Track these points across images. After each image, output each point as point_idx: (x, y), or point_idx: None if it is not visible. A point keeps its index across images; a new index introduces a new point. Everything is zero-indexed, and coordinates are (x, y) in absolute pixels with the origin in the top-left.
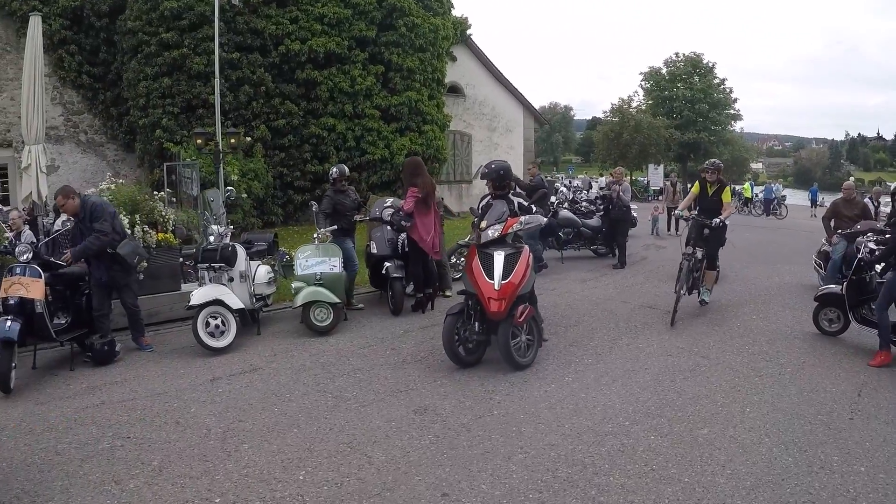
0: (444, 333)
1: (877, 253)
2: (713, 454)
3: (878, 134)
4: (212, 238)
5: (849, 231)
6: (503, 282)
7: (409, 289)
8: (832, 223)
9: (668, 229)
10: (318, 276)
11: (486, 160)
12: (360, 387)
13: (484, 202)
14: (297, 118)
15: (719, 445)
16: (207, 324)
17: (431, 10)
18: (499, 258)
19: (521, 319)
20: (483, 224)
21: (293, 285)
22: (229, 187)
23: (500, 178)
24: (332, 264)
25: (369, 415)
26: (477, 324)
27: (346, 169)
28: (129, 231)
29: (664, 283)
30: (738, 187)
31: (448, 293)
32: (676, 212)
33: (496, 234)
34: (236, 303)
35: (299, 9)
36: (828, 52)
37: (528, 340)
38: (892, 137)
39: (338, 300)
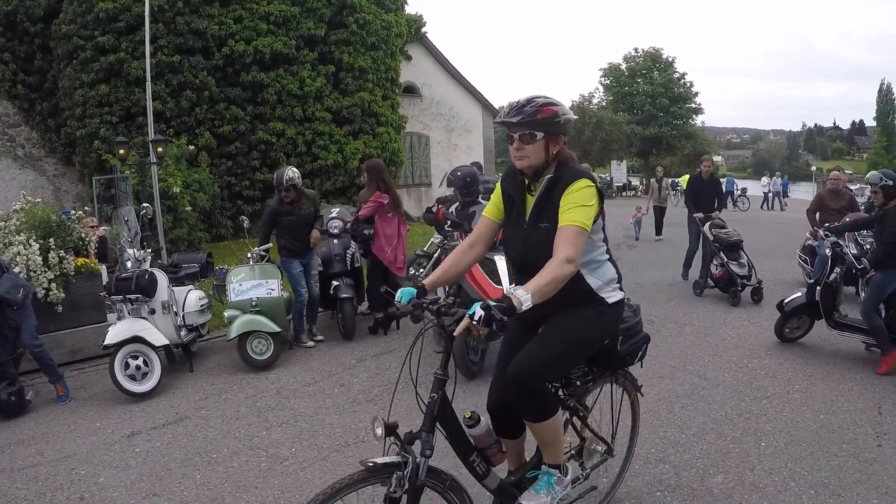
0: (457, 346)
1: (868, 255)
2: None
3: (835, 124)
4: (129, 264)
5: (836, 225)
6: (512, 286)
7: (363, 307)
8: (817, 216)
9: (658, 233)
10: (253, 302)
11: (445, 162)
12: (301, 440)
13: (454, 207)
14: (243, 124)
15: (739, 498)
16: (127, 365)
17: (384, 6)
18: (501, 262)
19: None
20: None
21: (226, 314)
22: (145, 203)
23: (466, 186)
24: (270, 288)
25: (309, 479)
26: None
27: (290, 173)
28: (38, 259)
29: (642, 288)
30: (676, 180)
31: None
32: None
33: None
34: (159, 339)
35: (243, 7)
36: (784, 47)
37: None
38: (849, 127)
39: (277, 329)
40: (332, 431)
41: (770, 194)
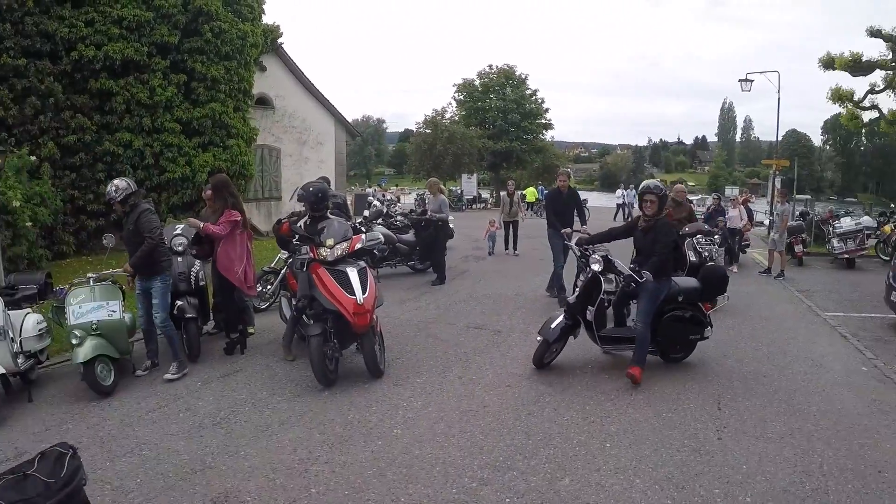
0: (314, 356)
1: (633, 271)
2: None
3: (679, 139)
4: None
5: (680, 233)
6: (364, 296)
7: (208, 327)
8: None
9: (507, 247)
10: (94, 325)
11: (296, 175)
12: (146, 469)
13: (303, 222)
14: (89, 133)
15: (587, 498)
16: None
17: (241, 15)
18: (353, 274)
19: (378, 329)
20: (330, 242)
21: (72, 338)
22: None
23: (318, 201)
24: (111, 309)
25: None
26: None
27: (110, 186)
28: None
29: (489, 300)
30: (522, 192)
31: (251, 329)
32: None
33: (345, 252)
34: None
35: (96, 10)
36: (631, 66)
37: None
38: (692, 142)
39: (117, 354)
40: (179, 458)
41: (625, 206)
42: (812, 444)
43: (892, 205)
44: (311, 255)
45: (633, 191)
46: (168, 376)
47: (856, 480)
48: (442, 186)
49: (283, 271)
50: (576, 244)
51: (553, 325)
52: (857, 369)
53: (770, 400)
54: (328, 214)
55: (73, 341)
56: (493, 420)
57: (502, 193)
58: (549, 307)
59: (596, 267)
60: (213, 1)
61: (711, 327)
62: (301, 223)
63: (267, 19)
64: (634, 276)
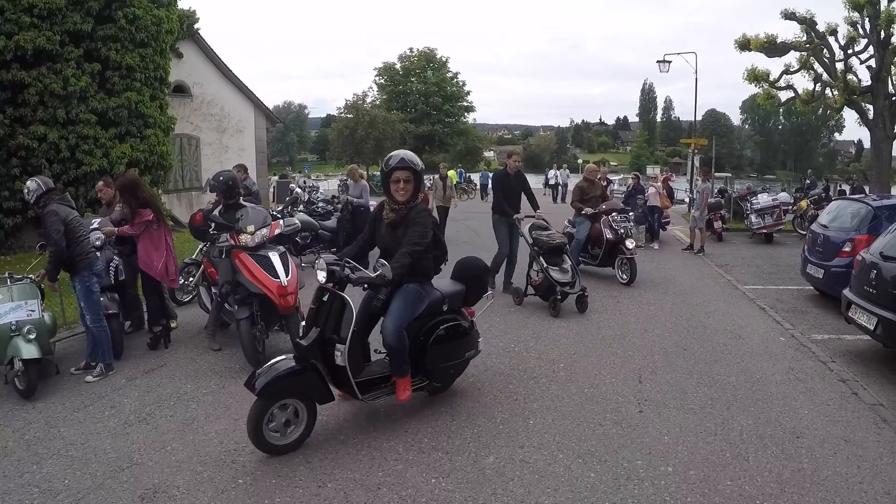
0: (245, 338)
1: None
2: (507, 487)
3: (601, 120)
4: None
5: (594, 211)
6: (288, 278)
7: (127, 325)
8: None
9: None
10: (13, 326)
11: (217, 164)
12: (74, 470)
13: (218, 210)
14: (2, 127)
15: (511, 475)
16: None
17: (156, 0)
18: (275, 258)
19: (302, 310)
20: (251, 228)
21: None
22: None
23: (229, 189)
24: (30, 309)
25: None
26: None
27: (34, 185)
28: None
29: None
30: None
31: (174, 323)
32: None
33: (265, 238)
34: None
35: None
36: (553, 48)
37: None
38: (613, 122)
39: (40, 355)
40: (106, 457)
41: (559, 186)
42: (732, 414)
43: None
44: (232, 241)
45: (567, 171)
46: (90, 378)
47: (774, 446)
48: (363, 172)
49: (202, 261)
50: (529, 230)
51: (274, 372)
52: (774, 339)
53: (690, 372)
54: (241, 202)
55: None
56: (418, 402)
57: (434, 177)
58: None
59: (321, 277)
60: None
61: (480, 337)
62: (216, 212)
63: (182, 4)
64: (371, 277)
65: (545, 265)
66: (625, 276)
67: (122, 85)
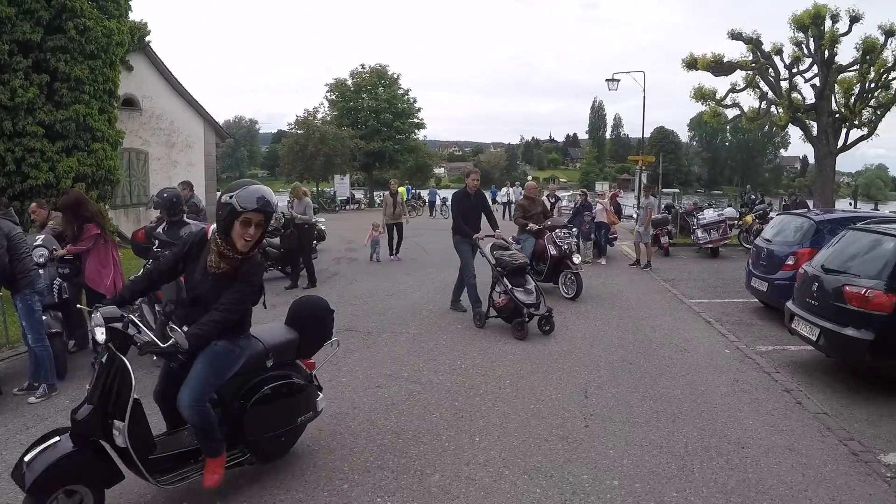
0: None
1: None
2: None
3: (551, 137)
4: None
5: (538, 227)
6: None
7: (71, 344)
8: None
9: (391, 252)
10: None
11: (165, 179)
12: (17, 493)
13: (162, 228)
14: None
15: (457, 492)
16: None
17: (106, 11)
18: None
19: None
20: None
21: None
22: None
23: (172, 206)
24: None
25: None
26: None
27: None
28: None
29: (360, 301)
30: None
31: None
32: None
33: None
34: None
35: None
36: (505, 66)
37: None
38: (563, 140)
39: None
40: None
41: (512, 203)
42: (677, 426)
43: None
44: None
45: (520, 188)
46: (32, 399)
47: (719, 457)
48: (306, 189)
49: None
50: (491, 250)
51: (44, 462)
52: (719, 352)
53: (636, 386)
54: (185, 219)
55: None
56: (364, 421)
57: (385, 193)
58: (419, 305)
59: (100, 336)
60: None
61: (321, 392)
62: (160, 229)
63: (134, 16)
64: (161, 347)
65: (509, 286)
66: (569, 292)
67: (71, 97)
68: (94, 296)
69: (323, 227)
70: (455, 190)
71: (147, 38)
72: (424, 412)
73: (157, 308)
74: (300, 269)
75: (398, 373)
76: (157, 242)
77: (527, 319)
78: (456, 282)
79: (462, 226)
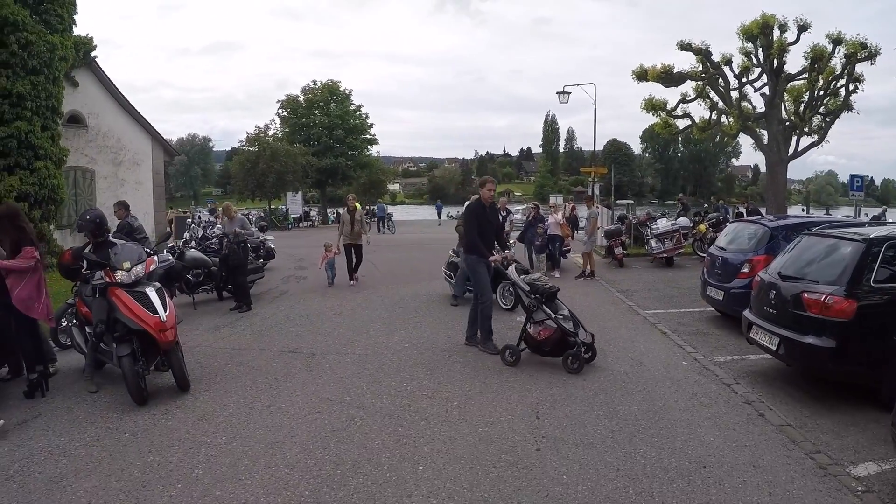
0: (128, 375)
1: None
2: None
3: (505, 151)
4: None
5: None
6: (166, 313)
7: (3, 372)
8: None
9: (351, 277)
10: None
11: (112, 198)
12: None
13: (88, 248)
14: None
15: None
16: None
17: (50, 26)
18: (152, 293)
19: (180, 343)
20: (127, 265)
21: None
22: None
23: (97, 227)
24: None
25: None
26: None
27: None
28: None
29: (307, 320)
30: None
31: (52, 368)
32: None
33: (141, 274)
34: None
35: None
36: (457, 82)
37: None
38: (517, 154)
39: None
40: None
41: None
42: (634, 446)
43: (703, 203)
44: (108, 279)
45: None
46: None
47: (680, 479)
48: (235, 208)
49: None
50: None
51: None
52: (677, 364)
53: (590, 404)
54: (111, 238)
55: None
56: (300, 451)
57: (341, 211)
58: (366, 324)
59: None
60: (19, 10)
61: None
62: (87, 249)
63: (79, 31)
64: None
65: (552, 314)
66: (507, 303)
67: (12, 114)
68: (23, 320)
69: (272, 246)
70: (408, 203)
71: (93, 54)
72: (365, 439)
73: (87, 330)
74: (248, 287)
75: (340, 397)
76: (85, 263)
77: (583, 350)
78: (470, 313)
79: (478, 243)
